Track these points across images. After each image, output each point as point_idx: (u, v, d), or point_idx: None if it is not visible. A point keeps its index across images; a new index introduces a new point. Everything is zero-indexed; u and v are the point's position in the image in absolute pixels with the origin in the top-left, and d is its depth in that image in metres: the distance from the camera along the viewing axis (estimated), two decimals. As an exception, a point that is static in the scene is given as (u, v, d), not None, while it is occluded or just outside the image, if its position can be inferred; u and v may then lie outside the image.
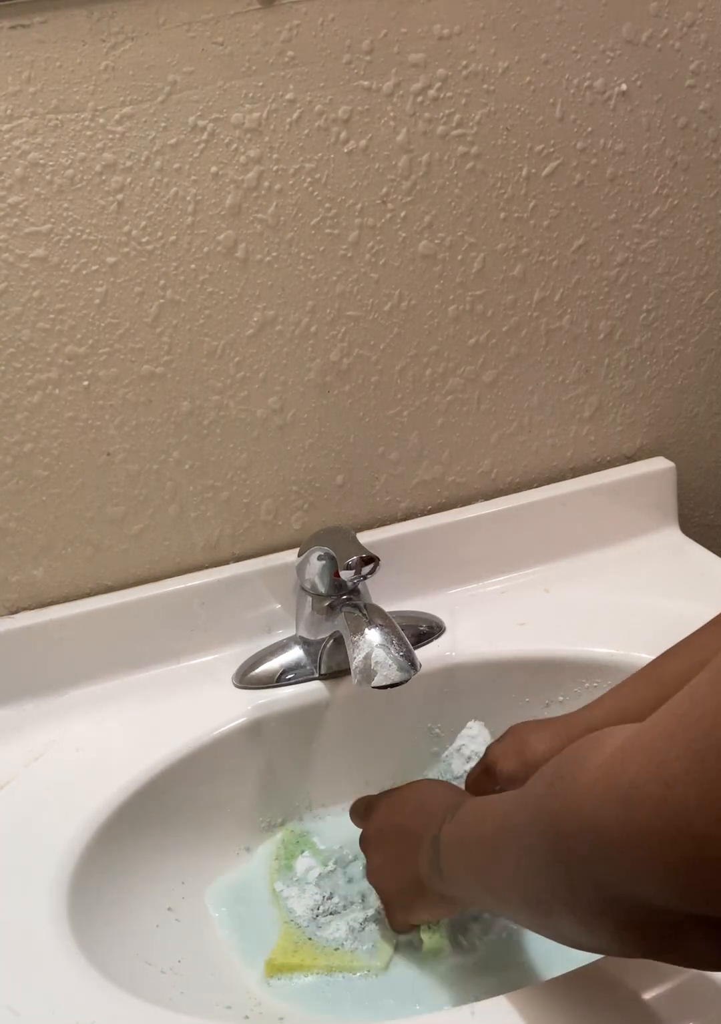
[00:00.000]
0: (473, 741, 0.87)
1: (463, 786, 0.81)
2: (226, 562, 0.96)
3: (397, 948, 0.77)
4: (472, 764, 0.85)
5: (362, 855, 0.80)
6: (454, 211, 0.94)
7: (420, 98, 0.90)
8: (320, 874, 0.83)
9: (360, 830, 0.80)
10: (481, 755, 0.83)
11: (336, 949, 0.77)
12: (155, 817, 0.82)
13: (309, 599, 0.88)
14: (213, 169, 0.87)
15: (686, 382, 1.07)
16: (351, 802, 0.86)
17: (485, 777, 0.80)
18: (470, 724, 0.88)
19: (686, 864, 0.42)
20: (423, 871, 0.69)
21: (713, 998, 0.60)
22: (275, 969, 0.76)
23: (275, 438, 0.94)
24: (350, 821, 0.83)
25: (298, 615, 0.91)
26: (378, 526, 0.99)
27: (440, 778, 0.87)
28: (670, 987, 0.60)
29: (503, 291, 0.97)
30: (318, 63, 0.87)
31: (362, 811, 0.82)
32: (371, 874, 0.78)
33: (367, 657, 0.79)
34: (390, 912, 0.77)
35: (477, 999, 0.64)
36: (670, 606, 0.93)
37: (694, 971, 0.59)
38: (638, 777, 0.44)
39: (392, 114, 0.90)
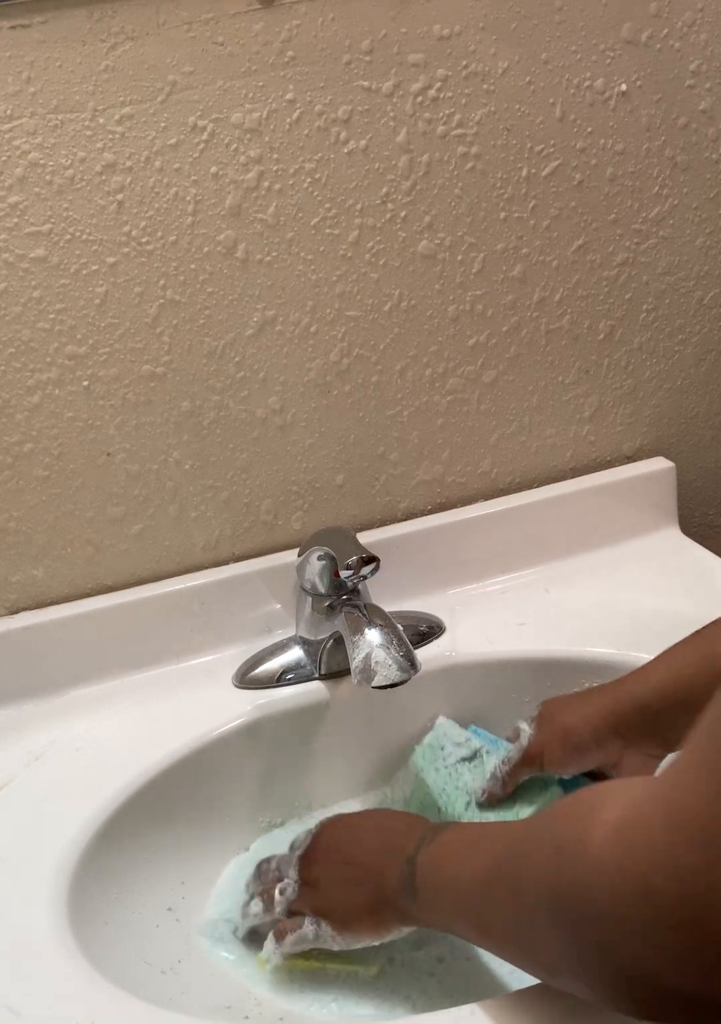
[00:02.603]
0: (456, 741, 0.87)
1: (497, 778, 0.81)
2: (226, 562, 0.96)
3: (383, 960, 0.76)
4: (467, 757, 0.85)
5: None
6: (454, 211, 0.94)
7: (420, 98, 0.90)
8: None
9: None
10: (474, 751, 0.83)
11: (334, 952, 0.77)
12: (155, 817, 0.82)
13: (309, 599, 0.88)
14: (213, 169, 0.87)
15: (686, 382, 1.07)
16: (351, 802, 0.86)
17: (527, 768, 0.79)
18: (440, 721, 0.89)
19: (706, 956, 0.42)
20: (391, 888, 0.67)
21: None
22: (264, 964, 0.75)
23: (275, 438, 0.94)
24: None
25: (298, 615, 0.91)
26: (378, 526, 0.99)
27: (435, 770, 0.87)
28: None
29: (503, 291, 0.97)
30: (318, 63, 0.87)
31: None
32: (308, 890, 0.74)
33: (367, 657, 0.79)
34: (328, 924, 0.73)
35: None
36: (670, 606, 0.93)
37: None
38: (653, 867, 0.43)
39: (392, 114, 0.90)
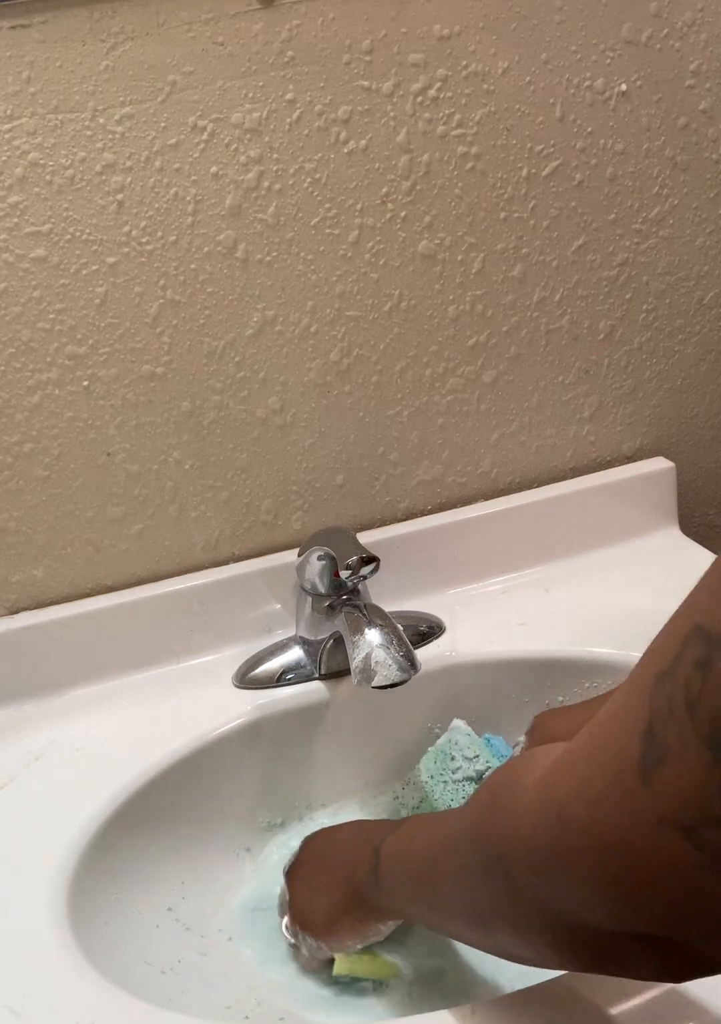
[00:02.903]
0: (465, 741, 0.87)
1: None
2: (226, 562, 0.96)
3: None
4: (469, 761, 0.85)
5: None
6: (454, 211, 0.94)
7: (420, 98, 0.90)
8: None
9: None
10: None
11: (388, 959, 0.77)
12: (155, 817, 0.82)
13: (309, 599, 0.88)
14: (213, 169, 0.87)
15: (686, 382, 1.07)
16: (351, 802, 0.86)
17: None
18: (455, 724, 0.88)
19: (614, 882, 0.42)
20: (359, 880, 0.68)
21: (713, 997, 0.60)
22: (343, 968, 0.75)
23: (275, 438, 0.94)
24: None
25: (298, 615, 0.91)
26: (378, 526, 0.99)
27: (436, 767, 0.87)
28: (671, 986, 0.60)
29: (503, 291, 0.97)
30: (318, 63, 0.87)
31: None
32: (294, 898, 0.76)
33: (367, 657, 0.79)
34: (310, 934, 0.74)
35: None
36: (670, 606, 0.92)
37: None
38: (566, 797, 0.44)
39: (392, 114, 0.90)
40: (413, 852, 0.63)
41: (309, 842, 0.79)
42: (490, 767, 0.84)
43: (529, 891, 0.47)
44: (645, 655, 0.44)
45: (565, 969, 0.51)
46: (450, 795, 0.85)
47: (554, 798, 0.45)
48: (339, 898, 0.71)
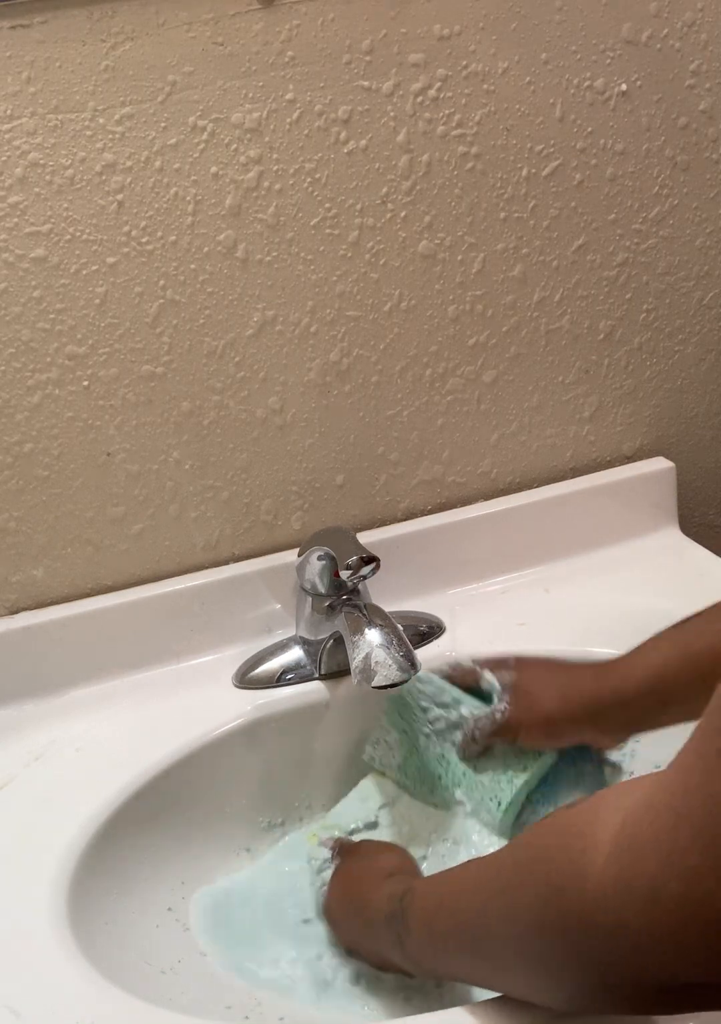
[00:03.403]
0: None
1: (471, 740, 0.83)
2: (226, 562, 0.96)
3: None
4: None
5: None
6: (454, 211, 0.94)
7: (420, 98, 0.90)
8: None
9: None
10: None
11: None
12: (155, 817, 0.82)
13: (309, 599, 0.88)
14: (213, 169, 0.87)
15: (686, 382, 1.07)
16: (352, 803, 0.86)
17: (500, 738, 0.81)
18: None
19: (715, 949, 0.42)
20: (385, 950, 0.67)
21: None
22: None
23: (275, 438, 0.94)
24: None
25: (298, 615, 0.91)
26: (378, 526, 0.99)
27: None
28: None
29: (503, 291, 0.97)
30: (318, 63, 0.87)
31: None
32: (342, 943, 0.77)
33: (367, 657, 0.79)
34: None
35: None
36: (670, 606, 0.92)
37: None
38: (658, 875, 0.43)
39: (392, 114, 0.90)
40: (444, 923, 0.60)
41: (334, 882, 0.78)
42: (477, 712, 0.84)
43: (611, 956, 0.46)
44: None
45: (636, 1014, 0.51)
46: (439, 746, 0.85)
47: (642, 875, 0.43)
48: (374, 954, 0.71)
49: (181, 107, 0.85)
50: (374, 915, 0.68)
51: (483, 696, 0.85)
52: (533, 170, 0.95)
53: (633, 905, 0.44)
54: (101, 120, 0.83)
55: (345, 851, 0.79)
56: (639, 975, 0.45)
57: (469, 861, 0.62)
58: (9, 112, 0.81)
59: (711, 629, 0.73)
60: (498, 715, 0.81)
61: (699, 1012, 0.47)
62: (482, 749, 0.84)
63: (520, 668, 0.83)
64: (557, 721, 0.78)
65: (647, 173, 0.98)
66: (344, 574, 0.83)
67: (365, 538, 0.93)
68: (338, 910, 0.76)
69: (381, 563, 0.84)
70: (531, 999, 0.55)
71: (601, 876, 0.45)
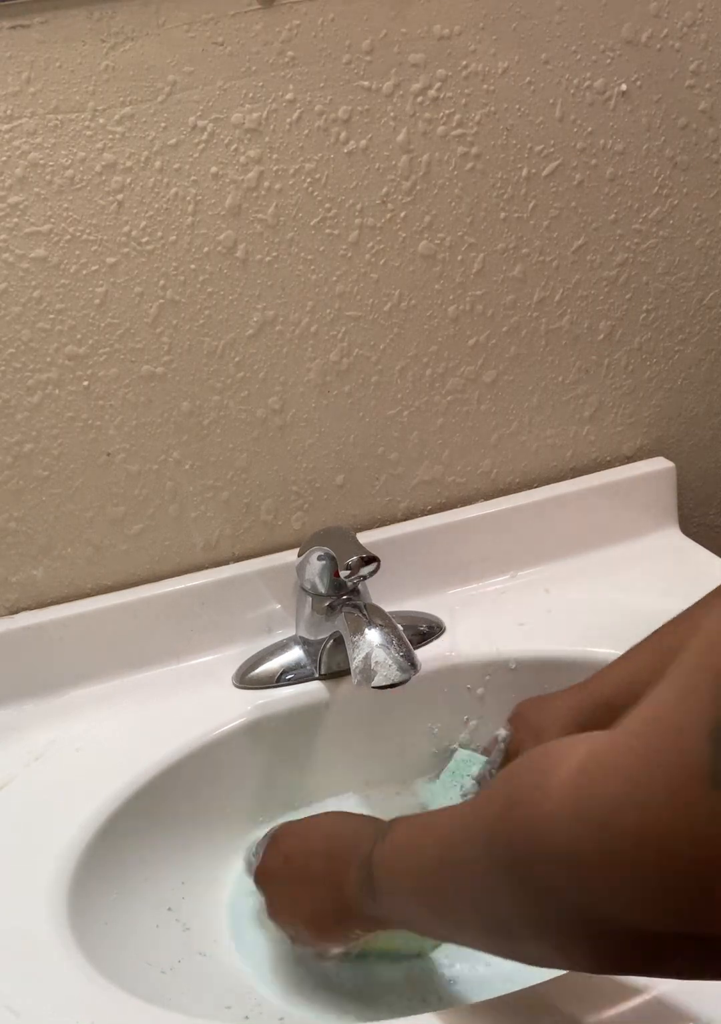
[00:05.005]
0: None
1: (487, 781, 0.82)
2: (226, 562, 0.96)
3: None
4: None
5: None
6: (454, 211, 0.94)
7: (420, 98, 0.90)
8: None
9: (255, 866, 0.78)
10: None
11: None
12: (155, 817, 0.82)
13: (309, 599, 0.88)
14: (213, 169, 0.87)
15: (686, 382, 1.07)
16: (351, 802, 0.86)
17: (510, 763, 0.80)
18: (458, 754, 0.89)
19: (673, 889, 0.41)
20: (350, 894, 0.66)
21: (712, 998, 0.60)
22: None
23: (275, 438, 0.94)
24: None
25: (298, 615, 0.91)
26: (378, 526, 0.99)
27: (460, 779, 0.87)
28: (672, 984, 0.60)
29: (503, 291, 0.97)
30: (318, 63, 0.87)
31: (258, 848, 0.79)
32: (273, 905, 0.75)
33: (367, 657, 0.79)
34: (299, 940, 0.74)
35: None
36: (670, 606, 0.92)
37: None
38: (614, 801, 0.42)
39: (392, 114, 0.90)
40: (411, 861, 0.60)
41: (278, 841, 0.76)
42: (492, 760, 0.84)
43: (565, 899, 0.45)
44: (702, 651, 0.42)
45: (600, 973, 0.49)
46: None
47: (596, 803, 0.43)
48: (327, 909, 0.69)
49: (181, 107, 0.85)
50: (334, 883, 0.67)
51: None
52: (533, 170, 0.95)
53: (587, 830, 0.43)
54: (101, 120, 0.83)
55: (278, 831, 0.78)
56: (589, 913, 0.44)
57: (431, 812, 0.63)
58: (9, 112, 0.81)
59: (683, 626, 0.74)
60: (504, 745, 0.82)
61: (658, 976, 0.47)
62: None
63: (520, 703, 0.84)
64: (551, 734, 0.78)
65: (647, 173, 0.98)
66: (344, 574, 0.83)
67: (365, 538, 0.93)
68: (281, 871, 0.74)
69: (381, 563, 0.84)
70: (493, 953, 0.55)
71: (559, 797, 0.44)
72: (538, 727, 0.79)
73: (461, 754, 0.89)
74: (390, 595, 0.92)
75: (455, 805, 0.65)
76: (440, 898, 0.57)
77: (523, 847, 0.46)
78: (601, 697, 0.77)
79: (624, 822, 0.42)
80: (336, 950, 0.73)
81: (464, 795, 0.86)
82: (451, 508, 1.01)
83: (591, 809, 0.43)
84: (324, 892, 0.69)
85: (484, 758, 0.87)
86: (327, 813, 0.80)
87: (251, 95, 0.86)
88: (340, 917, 0.68)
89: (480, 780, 0.84)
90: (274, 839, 0.77)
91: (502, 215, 0.95)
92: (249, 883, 0.82)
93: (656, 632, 0.77)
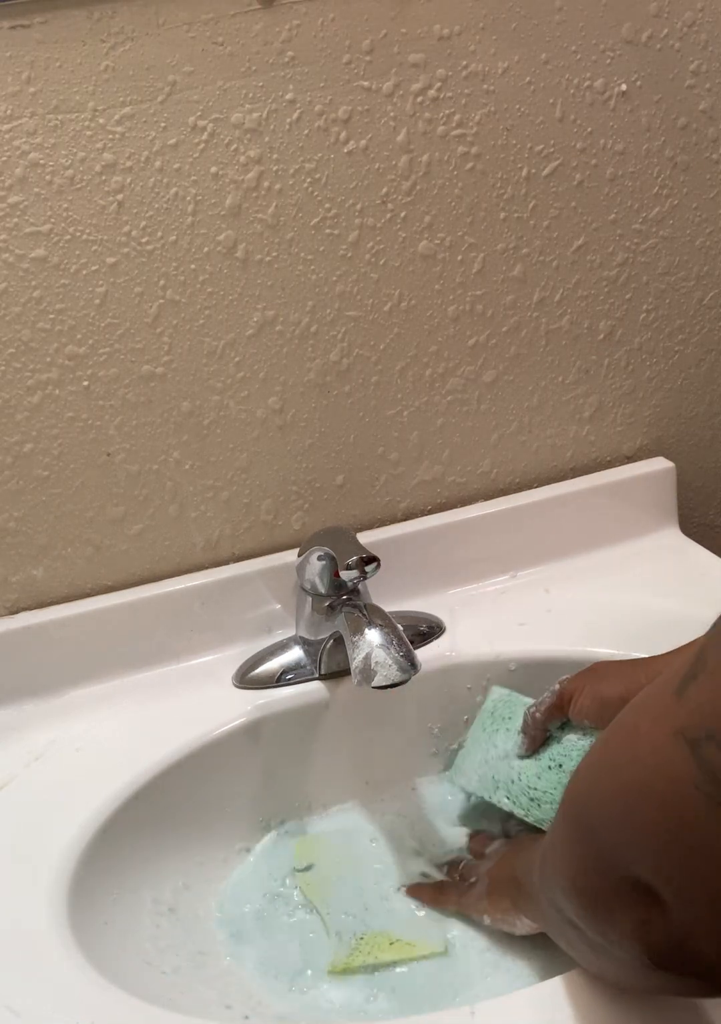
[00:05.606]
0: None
1: (529, 720, 0.82)
2: (226, 562, 0.96)
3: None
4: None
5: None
6: (454, 211, 0.94)
7: (420, 98, 0.90)
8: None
9: None
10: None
11: (392, 942, 0.77)
12: (155, 817, 0.82)
13: (309, 599, 0.88)
14: (213, 169, 0.87)
15: (686, 382, 1.07)
16: (351, 802, 0.86)
17: (557, 711, 0.80)
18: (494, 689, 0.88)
19: (627, 793, 0.45)
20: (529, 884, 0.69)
21: (710, 1002, 0.60)
22: (340, 971, 0.75)
23: (275, 438, 0.94)
24: None
25: (298, 615, 0.91)
26: (378, 526, 0.99)
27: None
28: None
29: (503, 291, 0.97)
30: (318, 63, 0.87)
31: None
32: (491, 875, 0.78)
33: (367, 657, 0.79)
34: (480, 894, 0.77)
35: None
36: (670, 606, 0.93)
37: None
38: (623, 717, 0.48)
39: (392, 114, 0.90)
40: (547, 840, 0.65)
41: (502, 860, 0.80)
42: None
43: (591, 847, 0.48)
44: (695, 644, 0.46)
45: (577, 924, 0.52)
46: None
47: (595, 777, 0.48)
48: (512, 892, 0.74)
49: (181, 107, 0.85)
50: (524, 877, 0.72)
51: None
52: (533, 170, 0.95)
53: (597, 745, 0.49)
54: (101, 120, 0.83)
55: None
56: (610, 859, 0.47)
57: None
58: (9, 112, 0.81)
59: None
60: (557, 686, 0.80)
61: (606, 939, 0.49)
62: (542, 735, 0.82)
63: (597, 663, 0.83)
64: (611, 702, 0.77)
65: (647, 173, 0.98)
66: (344, 574, 0.83)
67: (365, 538, 0.93)
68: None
69: (381, 563, 0.84)
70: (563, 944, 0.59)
71: (584, 771, 0.50)
72: (603, 692, 0.78)
73: (498, 691, 0.87)
74: (390, 595, 0.92)
75: None
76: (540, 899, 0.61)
77: (572, 809, 0.52)
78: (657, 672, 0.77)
79: (622, 723, 0.47)
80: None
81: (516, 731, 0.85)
82: (451, 508, 1.01)
83: (592, 782, 0.48)
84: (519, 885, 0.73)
85: (523, 698, 0.85)
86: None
87: (251, 95, 0.86)
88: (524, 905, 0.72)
89: (524, 717, 0.83)
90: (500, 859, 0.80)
91: (502, 215, 0.95)
92: (248, 882, 0.82)
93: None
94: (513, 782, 0.80)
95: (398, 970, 0.76)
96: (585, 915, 0.50)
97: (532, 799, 0.79)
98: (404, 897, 0.81)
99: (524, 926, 0.73)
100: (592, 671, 0.80)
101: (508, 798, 0.80)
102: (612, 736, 0.48)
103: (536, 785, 0.79)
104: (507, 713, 0.84)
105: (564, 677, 0.81)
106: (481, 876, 0.78)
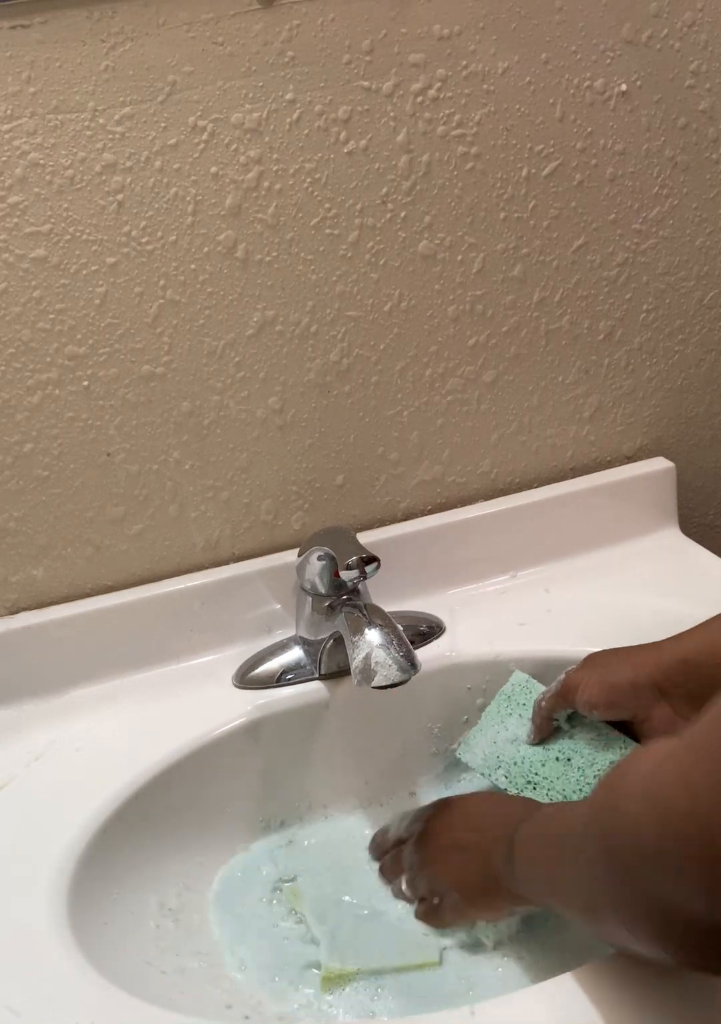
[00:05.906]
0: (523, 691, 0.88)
1: (536, 709, 0.83)
2: (226, 562, 0.96)
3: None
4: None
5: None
6: (454, 211, 0.94)
7: (420, 98, 0.90)
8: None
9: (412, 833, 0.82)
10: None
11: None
12: (155, 817, 0.82)
13: (309, 599, 0.88)
14: (213, 169, 0.87)
15: (686, 382, 1.07)
16: (351, 801, 0.86)
17: (561, 701, 0.81)
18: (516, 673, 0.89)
19: (711, 868, 0.45)
20: (496, 864, 0.71)
21: (713, 996, 0.60)
22: (332, 983, 0.75)
23: (275, 438, 0.94)
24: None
25: (298, 615, 0.91)
26: (378, 526, 0.99)
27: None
28: (672, 987, 0.60)
29: (503, 291, 0.97)
30: (318, 63, 0.87)
31: (413, 819, 0.83)
32: (439, 865, 0.78)
33: (367, 657, 0.79)
34: (446, 906, 0.77)
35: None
36: (670, 606, 0.93)
37: (692, 975, 0.59)
38: (672, 788, 0.47)
39: (392, 114, 0.90)
40: (541, 837, 0.66)
41: (440, 814, 0.81)
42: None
43: (634, 880, 0.50)
44: None
45: (667, 961, 0.53)
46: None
47: (660, 789, 0.48)
48: (475, 880, 0.74)
49: (181, 107, 0.85)
50: (485, 854, 0.73)
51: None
52: (533, 170, 0.95)
53: (650, 824, 0.48)
54: (101, 120, 0.83)
55: (438, 806, 0.82)
56: (655, 895, 0.49)
57: (563, 804, 0.70)
58: (9, 112, 0.81)
59: None
60: (562, 676, 0.82)
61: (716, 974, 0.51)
62: (548, 724, 0.84)
63: (595, 652, 0.84)
64: (620, 688, 0.79)
65: (647, 173, 0.98)
66: (344, 574, 0.83)
67: (365, 538, 0.93)
68: (439, 842, 0.79)
69: (381, 563, 0.84)
70: (591, 933, 0.61)
71: (632, 794, 0.51)
72: (606, 668, 0.80)
73: (518, 676, 0.88)
74: (390, 595, 0.92)
75: (578, 801, 0.71)
76: (554, 874, 0.63)
77: (607, 829, 0.53)
78: (678, 654, 0.78)
79: (677, 804, 0.47)
80: (484, 918, 0.76)
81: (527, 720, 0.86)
82: (451, 508, 1.01)
83: (655, 795, 0.49)
84: (475, 862, 0.74)
85: (541, 686, 0.86)
86: (481, 793, 0.85)
87: (251, 95, 0.86)
88: (487, 887, 0.72)
89: (533, 706, 0.84)
90: (436, 811, 0.81)
91: (502, 215, 0.95)
92: (248, 882, 0.82)
93: None
94: (515, 764, 0.83)
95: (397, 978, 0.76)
96: (677, 953, 0.51)
97: (529, 782, 0.82)
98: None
99: (514, 916, 0.75)
100: (594, 662, 0.81)
101: (506, 778, 0.83)
102: (684, 826, 0.47)
103: (539, 771, 0.82)
104: (523, 700, 0.87)
105: (571, 667, 0.82)
106: (447, 891, 0.77)
